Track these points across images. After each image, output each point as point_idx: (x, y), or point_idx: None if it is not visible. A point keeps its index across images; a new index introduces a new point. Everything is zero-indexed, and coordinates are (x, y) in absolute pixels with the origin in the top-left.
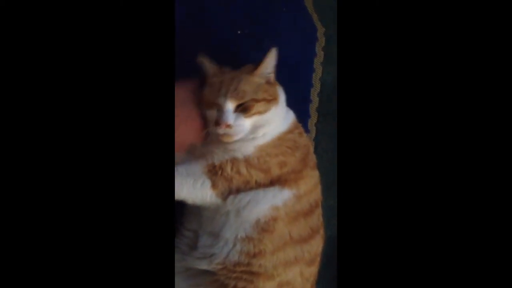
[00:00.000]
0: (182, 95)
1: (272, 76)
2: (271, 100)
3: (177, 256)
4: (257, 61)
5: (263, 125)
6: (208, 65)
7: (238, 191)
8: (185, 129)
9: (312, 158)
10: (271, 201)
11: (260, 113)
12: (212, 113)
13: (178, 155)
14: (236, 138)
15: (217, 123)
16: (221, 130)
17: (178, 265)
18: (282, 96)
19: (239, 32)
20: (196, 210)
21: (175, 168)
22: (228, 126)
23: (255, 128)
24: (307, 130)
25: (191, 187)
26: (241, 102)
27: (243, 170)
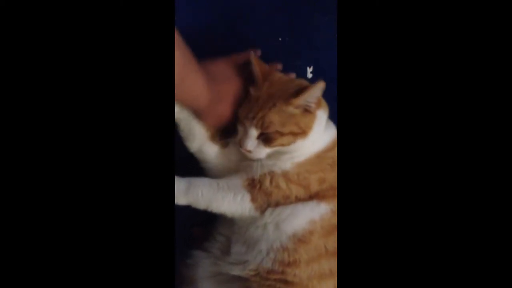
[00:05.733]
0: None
1: (312, 107)
2: (299, 133)
3: (209, 261)
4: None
5: (285, 153)
6: (256, 68)
7: (277, 205)
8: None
9: None
10: (309, 215)
11: (282, 145)
12: (240, 129)
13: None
14: (254, 158)
15: (240, 143)
16: (241, 150)
17: (209, 270)
18: (318, 124)
19: (280, 39)
20: (229, 217)
21: (217, 182)
22: (248, 151)
23: (276, 154)
24: None
25: (232, 200)
26: (265, 131)
27: (283, 184)
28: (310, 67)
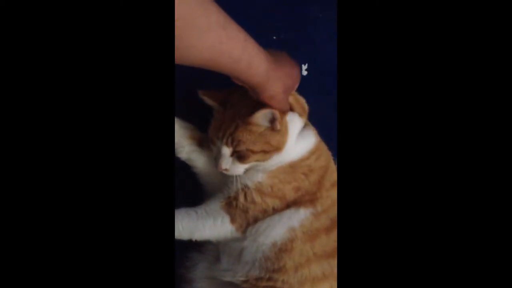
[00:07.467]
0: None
1: (276, 125)
2: (271, 150)
3: (204, 265)
4: None
5: (262, 165)
6: (209, 101)
7: (256, 220)
8: None
9: (330, 178)
10: (287, 224)
11: (258, 161)
12: (214, 149)
13: None
14: (232, 174)
15: (215, 163)
16: (218, 169)
17: (205, 273)
18: (291, 138)
19: (274, 37)
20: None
21: (195, 211)
22: (224, 170)
23: (254, 166)
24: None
25: (212, 226)
26: (236, 149)
27: (258, 199)
28: (305, 64)
